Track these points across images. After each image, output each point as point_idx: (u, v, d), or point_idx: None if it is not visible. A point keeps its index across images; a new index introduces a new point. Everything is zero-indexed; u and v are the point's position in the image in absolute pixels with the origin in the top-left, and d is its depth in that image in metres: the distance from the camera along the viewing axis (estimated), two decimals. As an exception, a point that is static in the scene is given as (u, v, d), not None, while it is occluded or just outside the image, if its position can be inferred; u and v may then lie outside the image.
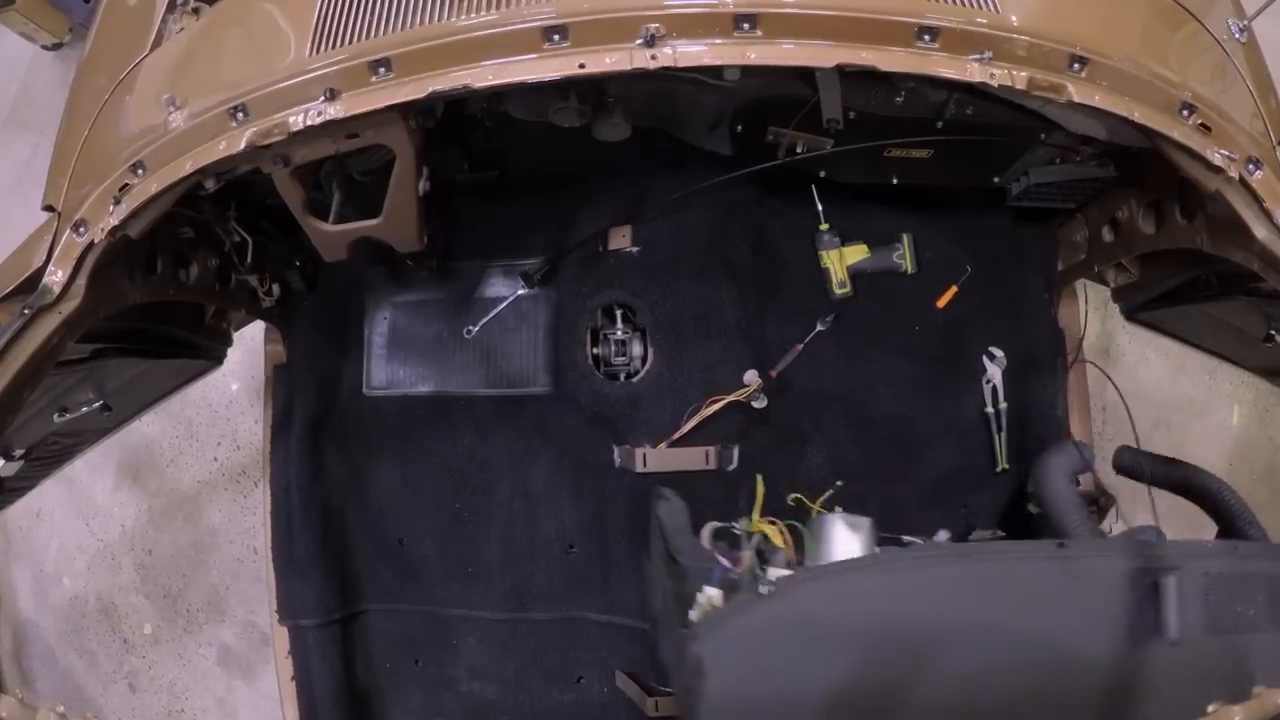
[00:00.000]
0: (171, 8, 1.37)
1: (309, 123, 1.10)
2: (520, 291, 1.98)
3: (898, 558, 1.20)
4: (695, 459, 1.76)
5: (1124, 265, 1.69)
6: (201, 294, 1.63)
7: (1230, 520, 1.46)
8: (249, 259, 1.69)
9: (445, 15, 1.10)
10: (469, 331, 1.98)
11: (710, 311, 1.86)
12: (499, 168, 1.85)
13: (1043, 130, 1.44)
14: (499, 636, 1.97)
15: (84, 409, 1.64)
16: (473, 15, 1.08)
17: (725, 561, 1.24)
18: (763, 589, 1.10)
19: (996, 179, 1.69)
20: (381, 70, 1.09)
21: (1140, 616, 1.10)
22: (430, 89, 1.08)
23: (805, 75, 1.39)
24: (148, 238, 1.29)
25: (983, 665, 1.10)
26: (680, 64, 1.07)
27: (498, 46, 1.08)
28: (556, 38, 1.07)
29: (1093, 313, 2.36)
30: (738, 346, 1.85)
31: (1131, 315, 1.76)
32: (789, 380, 1.87)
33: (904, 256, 1.91)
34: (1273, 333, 1.48)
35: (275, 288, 1.88)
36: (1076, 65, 1.11)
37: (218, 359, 1.93)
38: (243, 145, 1.12)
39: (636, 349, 1.88)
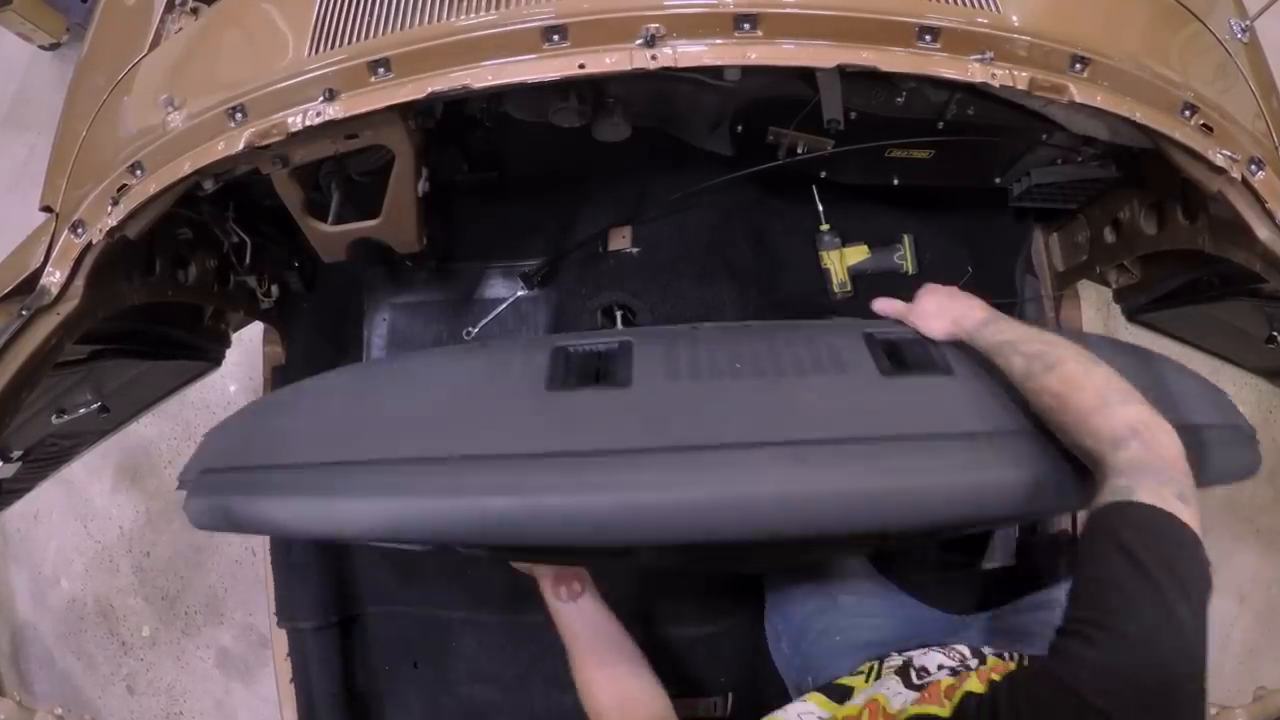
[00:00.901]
0: (170, 8, 1.36)
1: (308, 123, 1.10)
2: (520, 293, 1.97)
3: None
4: None
5: (1126, 266, 1.68)
6: (200, 295, 1.62)
7: None
8: (248, 260, 1.69)
9: (444, 15, 1.09)
10: (468, 333, 1.98)
11: (711, 312, 1.86)
12: (499, 168, 1.85)
13: (1044, 131, 1.44)
14: (498, 639, 1.97)
15: (82, 410, 1.64)
16: (472, 15, 1.08)
17: None
18: None
19: (998, 180, 1.69)
20: (381, 70, 1.09)
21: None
22: (430, 89, 1.08)
23: (806, 76, 1.39)
24: (146, 239, 1.29)
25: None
26: (680, 64, 1.07)
27: (497, 47, 1.08)
28: (556, 38, 1.06)
29: (1095, 314, 2.37)
30: (738, 347, 1.84)
31: (1133, 316, 1.76)
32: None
33: (905, 257, 1.90)
34: (1275, 334, 1.48)
35: (274, 288, 1.87)
36: (1078, 65, 1.11)
37: (216, 360, 1.92)
38: (241, 146, 1.12)
39: (637, 350, 1.87)
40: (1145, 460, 0.85)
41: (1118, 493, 0.84)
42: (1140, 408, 0.90)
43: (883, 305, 1.22)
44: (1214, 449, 1.04)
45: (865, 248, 1.90)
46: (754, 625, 1.86)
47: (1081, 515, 0.91)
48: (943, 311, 1.14)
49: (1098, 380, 0.93)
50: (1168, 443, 0.87)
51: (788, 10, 1.06)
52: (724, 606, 1.86)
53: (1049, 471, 0.93)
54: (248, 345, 2.10)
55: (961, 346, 1.10)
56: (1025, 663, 1.01)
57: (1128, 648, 0.77)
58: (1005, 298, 1.87)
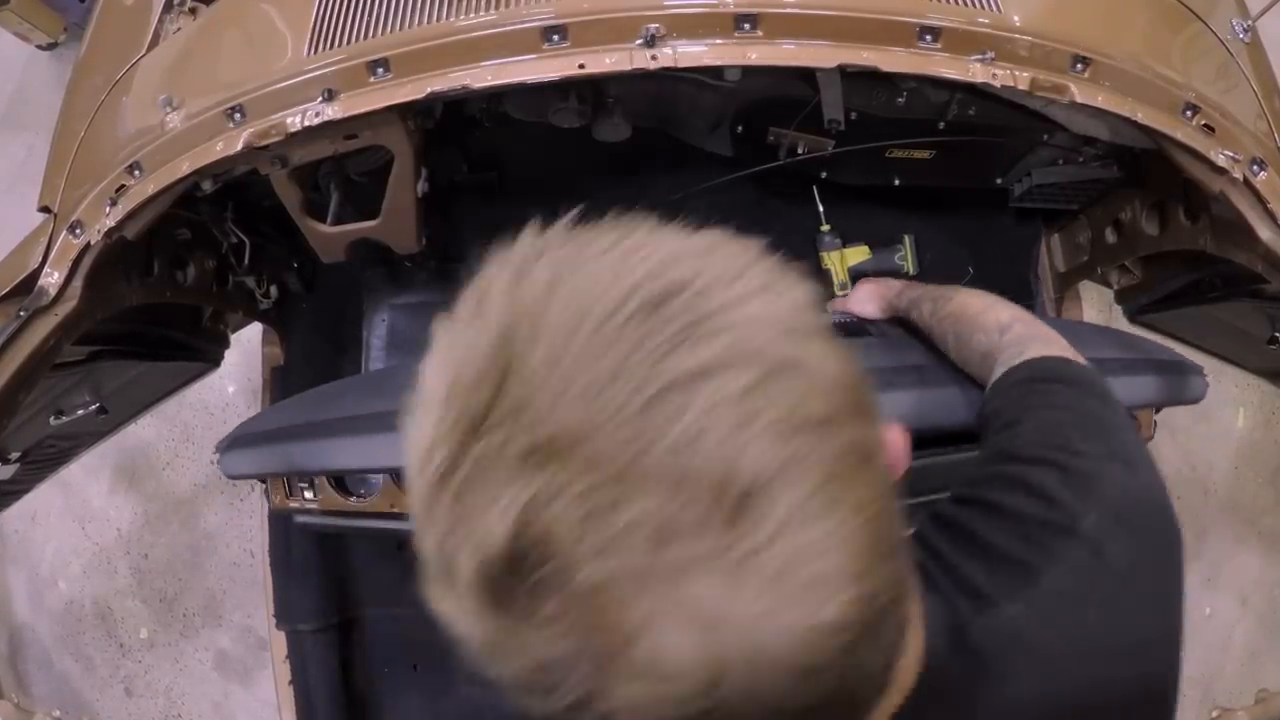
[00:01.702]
0: (168, 8, 1.35)
1: (307, 123, 1.09)
2: (519, 293, 1.96)
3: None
4: None
5: (1127, 267, 1.68)
6: (199, 295, 1.62)
7: None
8: (246, 260, 1.68)
9: (444, 15, 1.09)
10: (468, 334, 1.97)
11: None
12: (498, 168, 1.84)
13: (1045, 131, 1.44)
14: None
15: (80, 412, 1.63)
16: (471, 15, 1.08)
17: None
18: None
19: (999, 180, 1.68)
20: (380, 71, 1.08)
21: None
22: (429, 89, 1.07)
23: (806, 76, 1.39)
24: (145, 239, 1.28)
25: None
26: (680, 64, 1.06)
27: (497, 47, 1.08)
28: (556, 38, 1.06)
29: (1097, 315, 2.37)
30: (738, 348, 1.84)
31: (1135, 317, 1.76)
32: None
33: (905, 258, 1.90)
34: (1277, 335, 1.47)
35: (273, 289, 1.86)
36: (1079, 65, 1.11)
37: (215, 361, 1.92)
38: (240, 146, 1.11)
39: (636, 351, 1.87)
40: (1030, 334, 0.97)
41: (1010, 360, 0.92)
42: (1022, 311, 1.04)
43: (829, 306, 1.49)
44: (1173, 375, 1.31)
45: (866, 248, 1.89)
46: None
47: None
48: (872, 295, 1.37)
49: (986, 297, 1.10)
50: (1050, 330, 0.98)
51: (788, 10, 1.06)
52: None
53: (949, 391, 1.10)
54: (246, 346, 2.10)
55: (898, 321, 1.33)
56: None
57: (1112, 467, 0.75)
58: (1019, 301, 1.87)
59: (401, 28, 1.09)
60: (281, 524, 1.96)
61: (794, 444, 0.41)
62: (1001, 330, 0.99)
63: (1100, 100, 1.11)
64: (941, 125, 1.45)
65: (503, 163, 1.84)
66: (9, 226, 1.34)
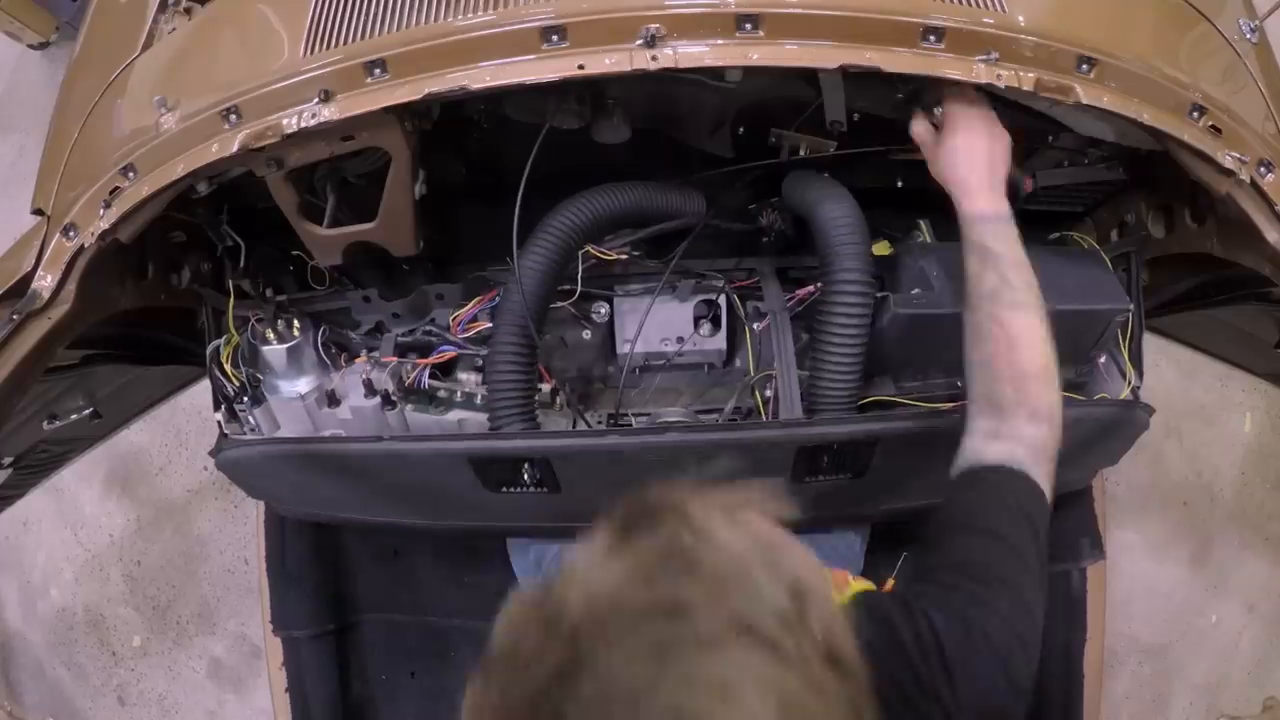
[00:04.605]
0: (163, 7, 1.34)
1: (303, 125, 1.08)
2: (518, 296, 1.95)
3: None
4: None
5: (1132, 270, 1.67)
6: (194, 298, 1.60)
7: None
8: (242, 263, 1.66)
9: (442, 15, 1.07)
10: (465, 336, 1.95)
11: None
12: (496, 170, 1.83)
13: (1050, 132, 1.43)
14: None
15: (73, 416, 1.62)
16: (470, 15, 1.06)
17: None
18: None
19: (1003, 181, 1.67)
20: (377, 71, 1.07)
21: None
22: (426, 90, 1.06)
23: (809, 76, 1.38)
24: (139, 242, 1.27)
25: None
26: (681, 65, 1.05)
27: (495, 47, 1.06)
28: (555, 38, 1.05)
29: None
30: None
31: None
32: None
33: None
34: (1283, 338, 1.47)
35: (269, 292, 1.85)
36: (1085, 66, 1.10)
37: (210, 365, 1.90)
38: (235, 148, 1.10)
39: (638, 353, 1.85)
40: (1048, 447, 1.00)
41: (1016, 461, 0.98)
42: (1058, 395, 1.04)
43: (917, 131, 1.22)
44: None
45: (885, 243, 1.86)
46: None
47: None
48: (975, 162, 1.13)
49: (1047, 351, 1.04)
50: (1059, 435, 1.02)
51: (790, 10, 1.05)
52: None
53: None
54: (242, 350, 2.08)
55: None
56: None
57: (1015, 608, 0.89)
58: None
59: (399, 28, 1.08)
60: (278, 529, 1.94)
61: None
62: (1034, 416, 1.00)
63: (1106, 101, 1.10)
64: None
65: (501, 164, 1.82)
66: (1, 229, 1.32)
